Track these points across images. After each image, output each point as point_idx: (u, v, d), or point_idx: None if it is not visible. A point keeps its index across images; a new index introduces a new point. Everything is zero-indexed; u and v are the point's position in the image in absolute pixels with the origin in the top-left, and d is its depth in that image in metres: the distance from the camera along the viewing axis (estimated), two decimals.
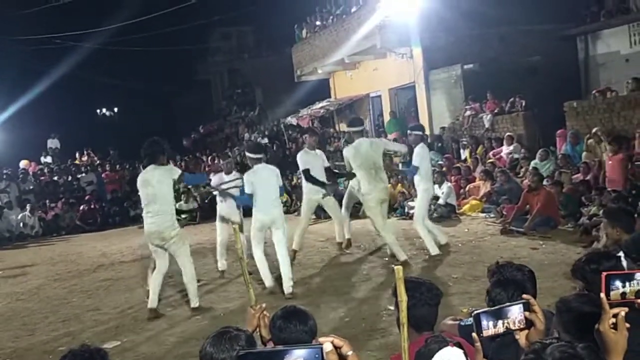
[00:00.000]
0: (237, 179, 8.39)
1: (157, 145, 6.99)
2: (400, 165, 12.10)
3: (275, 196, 7.34)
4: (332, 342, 1.42)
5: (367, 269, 8.25)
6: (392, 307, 5.60)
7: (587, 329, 2.23)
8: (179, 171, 7.10)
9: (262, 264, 7.43)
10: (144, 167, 7.03)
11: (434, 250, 8.36)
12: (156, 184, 6.75)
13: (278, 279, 7.42)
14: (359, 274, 8.03)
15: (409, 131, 9.63)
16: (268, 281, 7.43)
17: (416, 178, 8.54)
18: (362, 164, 7.78)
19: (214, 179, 8.82)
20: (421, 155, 8.35)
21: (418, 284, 3.00)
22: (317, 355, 1.37)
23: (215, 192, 8.87)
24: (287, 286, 7.19)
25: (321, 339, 1.41)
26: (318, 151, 8.97)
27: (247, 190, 7.34)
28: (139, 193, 7.04)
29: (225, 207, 8.53)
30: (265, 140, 21.36)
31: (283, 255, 7.31)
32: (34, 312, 7.97)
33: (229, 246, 8.59)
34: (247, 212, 8.32)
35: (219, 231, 8.69)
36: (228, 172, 8.67)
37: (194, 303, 7.06)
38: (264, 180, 7.27)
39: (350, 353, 1.44)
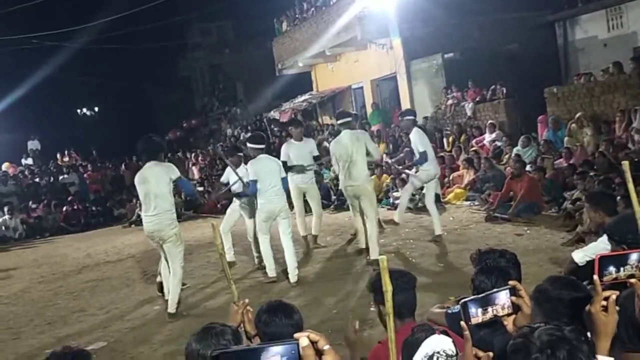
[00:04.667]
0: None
1: (155, 142, 6.95)
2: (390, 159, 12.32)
3: (280, 186, 7.40)
4: (307, 337, 1.41)
5: (353, 260, 8.24)
6: None
7: (571, 314, 2.23)
8: (178, 173, 6.84)
9: (268, 255, 7.52)
10: (142, 163, 6.86)
11: (438, 230, 8.61)
12: (154, 181, 6.57)
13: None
14: (345, 267, 8.02)
15: (400, 117, 9.57)
16: (272, 272, 7.53)
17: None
18: (340, 156, 7.75)
19: (225, 175, 8.71)
20: (415, 140, 8.42)
21: (390, 272, 3.00)
22: (293, 351, 1.38)
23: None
24: (293, 275, 7.36)
25: (296, 335, 1.42)
26: (308, 139, 9.05)
27: (251, 177, 7.34)
28: (137, 190, 6.85)
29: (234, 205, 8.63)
30: (249, 135, 21.25)
31: (288, 245, 7.44)
32: (19, 316, 7.87)
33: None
34: None
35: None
36: (237, 166, 8.33)
37: (172, 309, 6.69)
38: (268, 169, 7.34)
39: (326, 347, 1.44)
